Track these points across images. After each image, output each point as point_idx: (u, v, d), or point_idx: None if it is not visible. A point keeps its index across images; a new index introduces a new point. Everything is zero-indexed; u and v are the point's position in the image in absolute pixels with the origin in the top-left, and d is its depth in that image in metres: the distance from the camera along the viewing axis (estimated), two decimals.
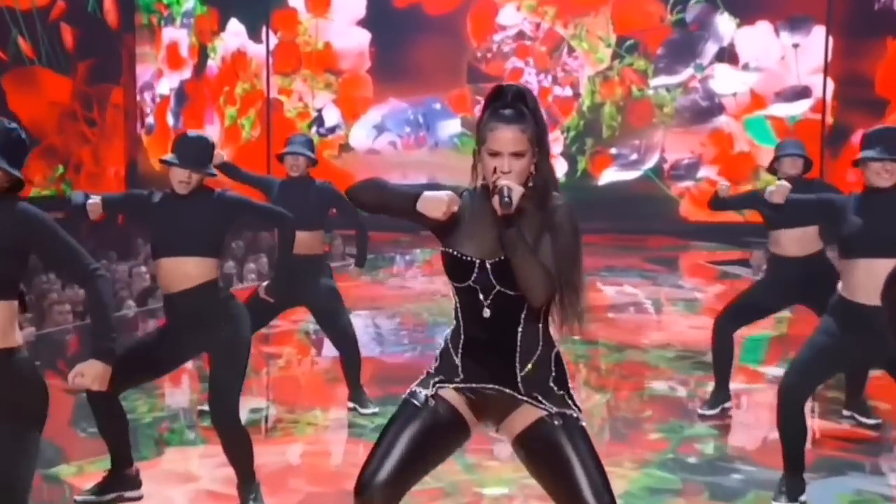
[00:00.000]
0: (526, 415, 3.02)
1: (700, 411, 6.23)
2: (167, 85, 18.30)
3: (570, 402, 3.03)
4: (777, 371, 7.31)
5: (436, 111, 17.21)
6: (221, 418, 4.56)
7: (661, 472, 5.28)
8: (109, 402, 4.45)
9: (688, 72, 16.40)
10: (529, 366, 2.99)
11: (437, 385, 3.08)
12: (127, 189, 15.59)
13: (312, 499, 4.99)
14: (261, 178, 6.48)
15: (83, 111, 16.83)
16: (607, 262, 12.79)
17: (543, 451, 2.98)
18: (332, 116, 17.53)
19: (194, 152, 4.53)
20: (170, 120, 18.05)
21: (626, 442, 5.75)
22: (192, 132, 4.75)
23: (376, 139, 17.40)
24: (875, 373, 5.83)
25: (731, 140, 16.22)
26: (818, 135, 15.30)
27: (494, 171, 2.91)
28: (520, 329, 2.99)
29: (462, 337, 3.06)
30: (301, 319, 8.98)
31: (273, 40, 17.60)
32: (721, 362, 6.18)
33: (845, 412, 6.12)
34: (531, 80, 16.55)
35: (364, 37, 17.24)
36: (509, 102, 2.97)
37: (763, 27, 16.06)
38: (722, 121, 16.27)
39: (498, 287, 2.96)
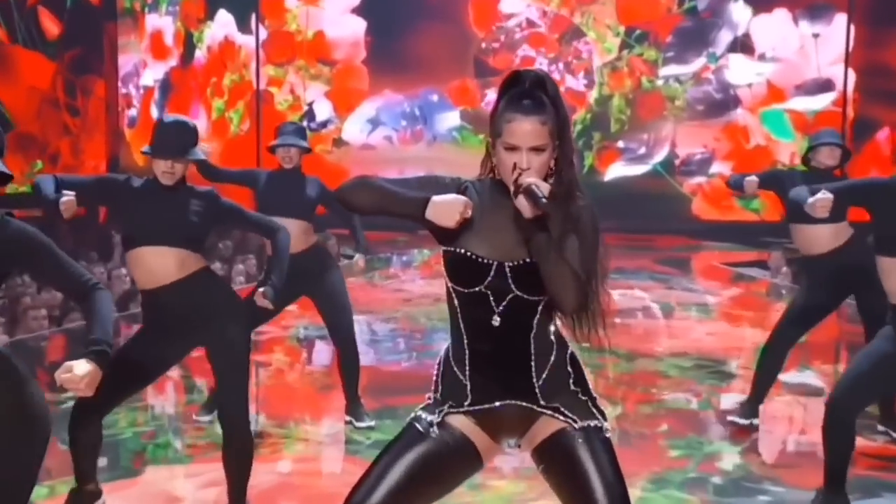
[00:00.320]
0: (547, 425, 2.89)
1: (730, 418, 6.08)
2: (151, 76, 18.16)
3: (593, 408, 2.91)
4: (796, 379, 7.17)
5: (433, 103, 17.08)
6: (232, 418, 4.44)
7: (682, 494, 5.11)
8: (94, 419, 4.28)
9: (700, 62, 16.27)
10: (546, 372, 2.86)
11: (445, 413, 2.91)
12: None
13: None
14: (243, 173, 6.36)
15: (66, 98, 16.65)
16: (616, 263, 12.48)
17: (562, 463, 2.85)
18: (323, 110, 17.40)
19: (174, 139, 4.36)
20: (154, 112, 17.88)
21: (641, 460, 5.55)
22: (169, 117, 4.56)
23: (371, 134, 17.29)
24: None
25: (747, 134, 16.08)
26: (839, 129, 15.10)
27: (515, 168, 2.74)
28: (533, 334, 2.85)
29: (467, 351, 2.88)
30: (291, 325, 8.84)
31: (263, 29, 17.45)
32: (767, 376, 6.01)
33: (879, 427, 5.93)
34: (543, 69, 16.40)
35: (359, 25, 17.08)
36: (527, 90, 2.79)
37: (781, 15, 15.93)
38: (737, 114, 16.15)
39: (516, 292, 2.80)
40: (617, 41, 16.54)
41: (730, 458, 5.67)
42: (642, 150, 16.51)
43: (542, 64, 16.51)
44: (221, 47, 17.73)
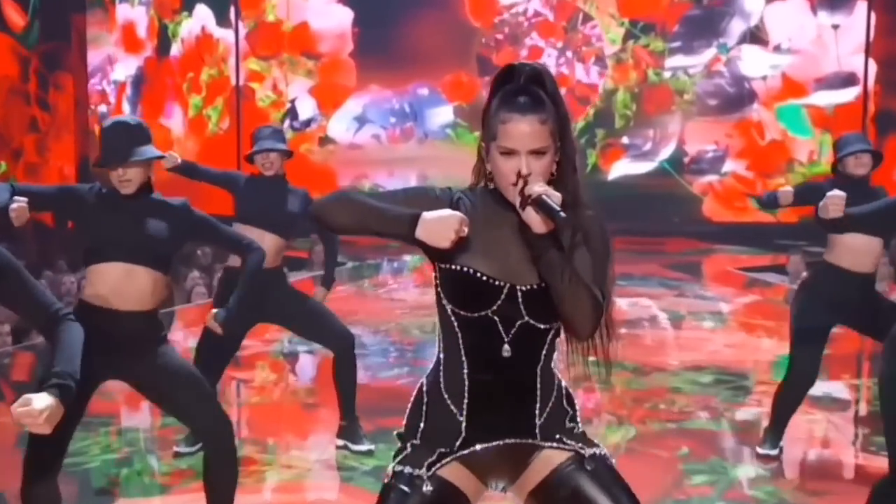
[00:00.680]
0: (545, 463, 2.74)
1: (760, 450, 5.84)
2: (123, 70, 18.00)
3: (591, 439, 2.80)
4: (819, 392, 6.96)
5: (424, 98, 16.93)
6: (215, 432, 4.27)
7: None
8: (49, 477, 4.06)
9: (710, 53, 16.15)
10: (548, 409, 2.73)
11: (434, 463, 2.70)
12: None
13: None
14: (225, 175, 6.20)
15: (38, 92, 16.45)
16: (622, 268, 12.36)
17: (570, 500, 2.69)
18: (307, 107, 17.25)
19: (118, 143, 4.16)
20: (126, 109, 17.72)
21: (660, 487, 5.38)
22: (109, 120, 4.40)
23: (358, 132, 17.16)
24: None
25: (762, 129, 15.94)
26: (859, 123, 15.01)
27: (518, 176, 2.56)
28: (540, 366, 2.70)
29: (466, 383, 2.69)
30: (274, 339, 8.66)
31: (243, 23, 17.30)
32: (787, 410, 5.81)
33: None
34: (551, 61, 16.26)
35: (345, 15, 16.91)
36: (523, 86, 2.62)
37: (796, 3, 15.82)
38: (750, 109, 16.05)
39: (526, 319, 2.63)
40: (621, 31, 16.41)
41: (759, 484, 5.49)
42: (648, 147, 16.39)
43: (550, 56, 16.35)
44: (198, 40, 17.58)
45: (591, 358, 2.71)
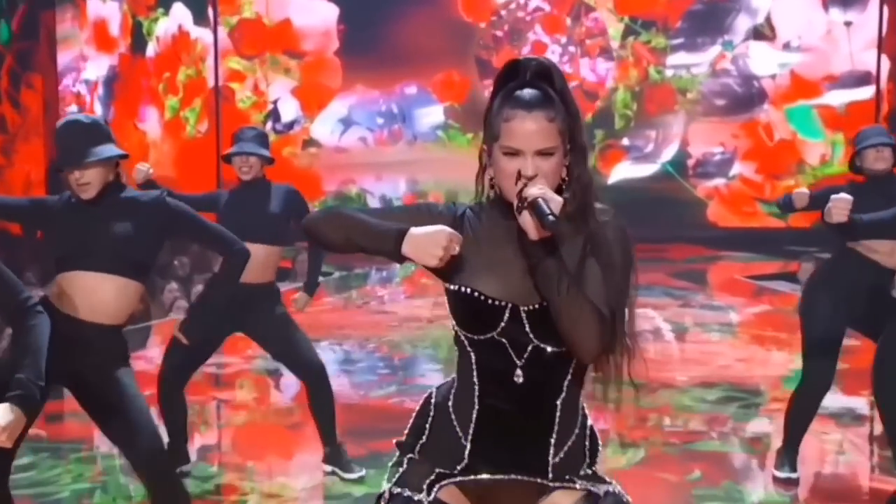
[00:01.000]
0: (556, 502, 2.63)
1: (778, 473, 5.72)
2: (94, 70, 17.91)
3: (603, 476, 2.71)
4: (836, 404, 6.89)
5: (413, 98, 16.89)
6: (152, 463, 4.14)
7: None
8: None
9: (714, 50, 16.13)
10: (565, 448, 2.62)
11: (433, 484, 2.61)
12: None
13: None
14: (204, 197, 6.06)
15: (10, 90, 16.37)
16: None
17: None
18: (289, 109, 17.21)
19: (71, 144, 4.04)
20: (98, 110, 17.65)
21: None
22: (63, 119, 4.26)
23: (343, 134, 17.14)
24: None
25: (770, 130, 15.92)
26: (872, 123, 14.99)
27: (518, 176, 2.46)
28: (561, 399, 2.59)
29: (476, 406, 2.61)
30: (256, 355, 8.56)
31: (227, 18, 17.25)
32: (800, 426, 5.71)
33: None
34: (555, 58, 16.23)
35: (330, 12, 16.88)
36: (528, 82, 2.53)
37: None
38: (759, 109, 16.00)
39: (535, 342, 2.53)
40: (620, 27, 16.40)
41: None
42: (650, 148, 16.38)
43: (553, 52, 16.32)
44: (175, 39, 17.53)
45: (609, 378, 2.58)
